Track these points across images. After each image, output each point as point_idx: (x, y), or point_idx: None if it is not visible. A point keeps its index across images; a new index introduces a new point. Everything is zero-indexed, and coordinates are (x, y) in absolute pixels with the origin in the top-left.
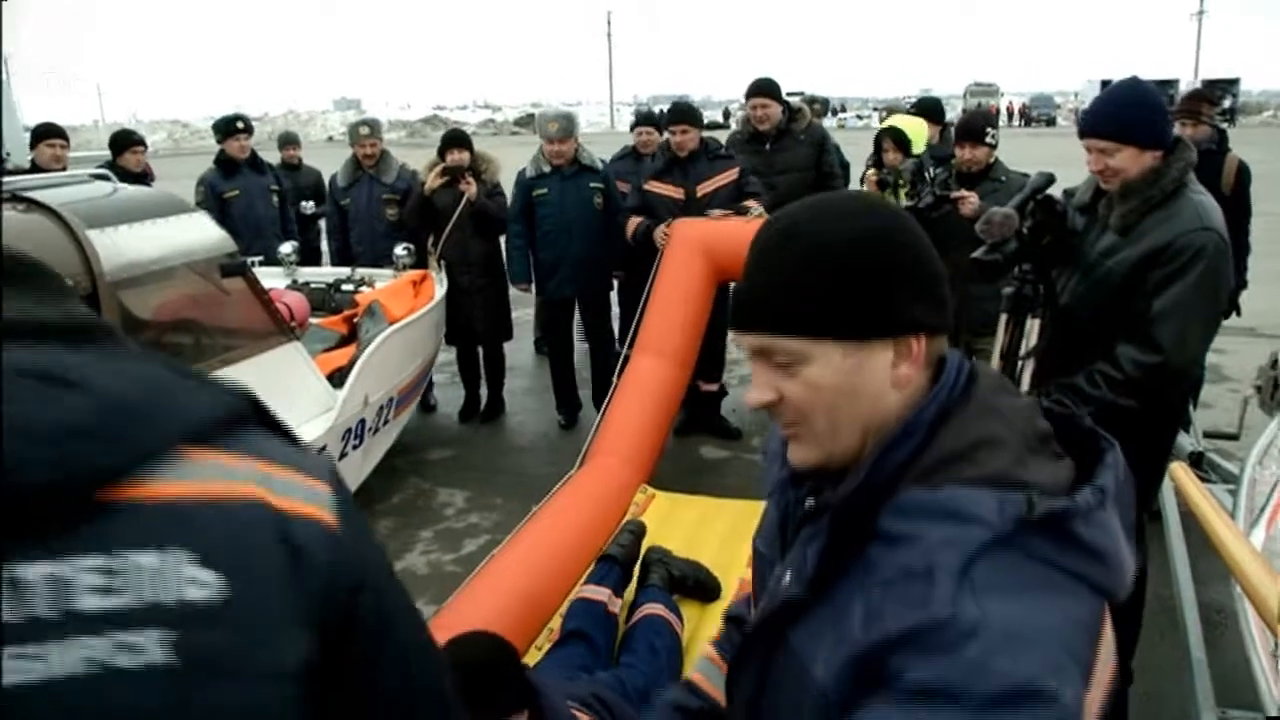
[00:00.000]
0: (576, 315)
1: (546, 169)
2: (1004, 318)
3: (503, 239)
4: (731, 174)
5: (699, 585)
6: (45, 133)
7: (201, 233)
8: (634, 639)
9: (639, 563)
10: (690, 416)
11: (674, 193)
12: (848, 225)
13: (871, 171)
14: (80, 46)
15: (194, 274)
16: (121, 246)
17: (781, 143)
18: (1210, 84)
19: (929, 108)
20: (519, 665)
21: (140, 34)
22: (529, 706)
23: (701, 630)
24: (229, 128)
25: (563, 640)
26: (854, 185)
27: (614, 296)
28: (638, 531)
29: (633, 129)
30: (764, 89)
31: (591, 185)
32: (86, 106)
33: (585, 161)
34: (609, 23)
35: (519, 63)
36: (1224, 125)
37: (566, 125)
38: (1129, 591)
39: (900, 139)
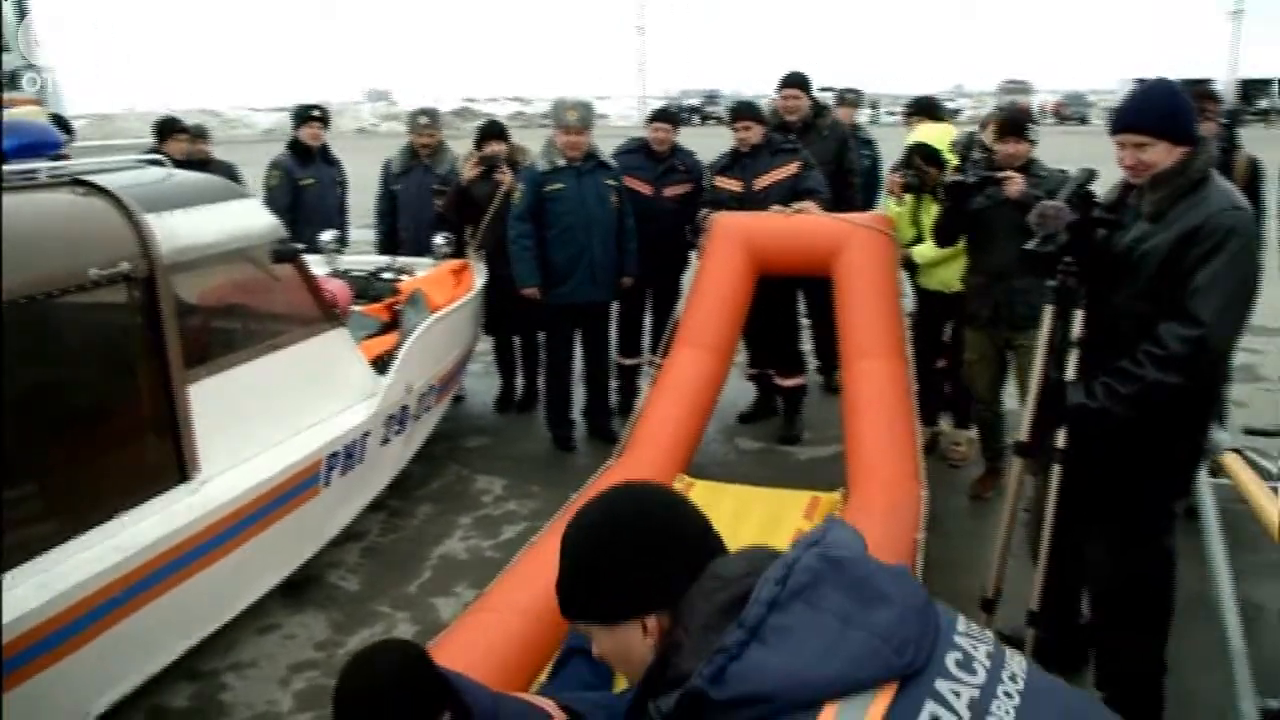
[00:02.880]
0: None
1: (561, 163)
2: (1049, 310)
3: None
4: (791, 168)
5: None
6: (65, 128)
7: (254, 218)
8: None
9: None
10: (761, 408)
11: (733, 186)
12: (587, 546)
13: (896, 175)
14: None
15: (246, 259)
16: (177, 231)
17: (806, 137)
18: (1246, 84)
19: (926, 107)
20: (430, 666)
21: (172, 22)
22: (448, 707)
23: None
24: (305, 115)
25: (562, 660)
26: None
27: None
28: None
29: (648, 124)
30: (795, 81)
31: (608, 182)
32: (119, 94)
33: (601, 158)
34: (641, 15)
35: (549, 55)
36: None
37: (586, 114)
38: (860, 670)
39: (929, 154)
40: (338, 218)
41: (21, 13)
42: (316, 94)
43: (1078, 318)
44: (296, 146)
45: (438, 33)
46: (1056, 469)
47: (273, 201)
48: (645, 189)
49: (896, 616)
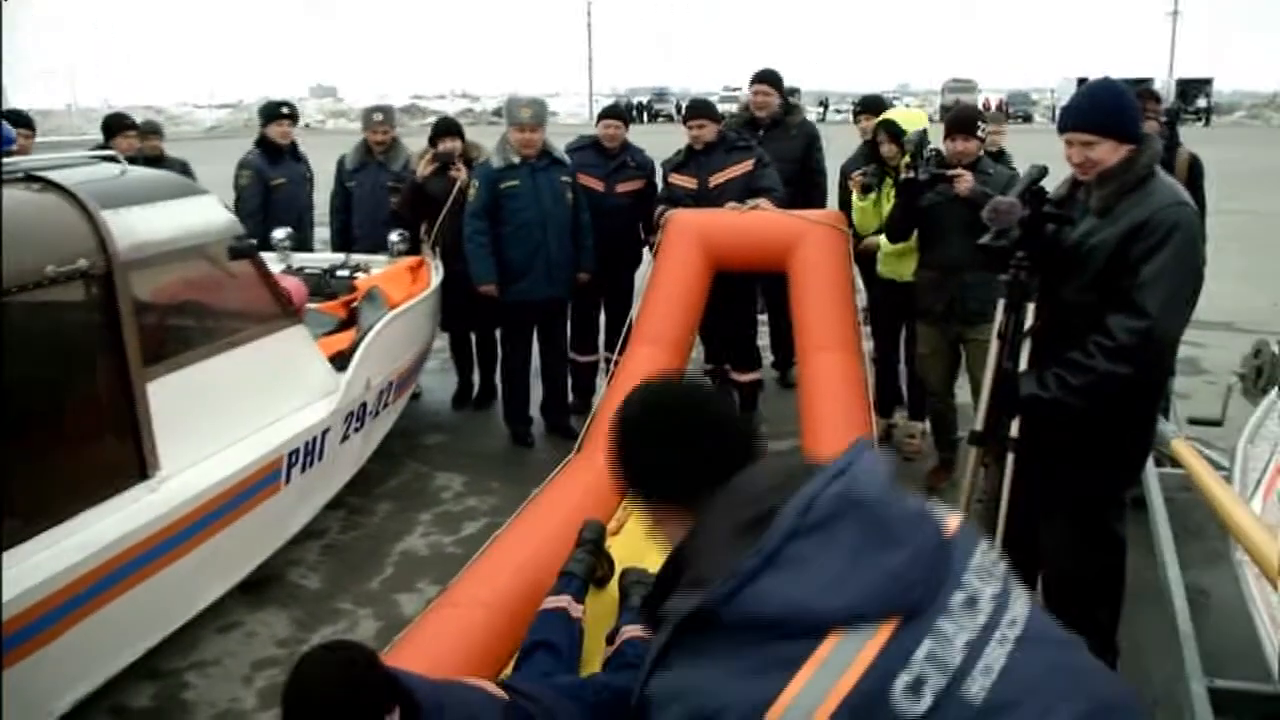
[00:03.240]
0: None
1: (515, 160)
2: (1002, 303)
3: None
4: (745, 165)
5: None
6: (13, 121)
7: (210, 215)
8: (614, 664)
9: (618, 586)
10: None
11: (688, 184)
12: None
13: (857, 174)
14: (53, 30)
15: (204, 256)
16: (134, 227)
17: (774, 132)
18: (1184, 83)
19: (873, 104)
20: (375, 663)
21: (112, 16)
22: (397, 701)
23: None
24: (274, 112)
25: (526, 654)
26: (832, 179)
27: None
28: (597, 539)
29: (598, 121)
30: (766, 78)
31: (563, 179)
32: (58, 91)
33: (555, 154)
34: (589, 13)
35: (497, 52)
36: (1198, 123)
37: (540, 111)
38: (863, 605)
39: (895, 131)
40: (308, 215)
41: None
42: (261, 90)
43: (1029, 310)
44: (265, 145)
45: (385, 29)
46: (1010, 458)
47: (243, 202)
48: (597, 185)
49: (908, 558)
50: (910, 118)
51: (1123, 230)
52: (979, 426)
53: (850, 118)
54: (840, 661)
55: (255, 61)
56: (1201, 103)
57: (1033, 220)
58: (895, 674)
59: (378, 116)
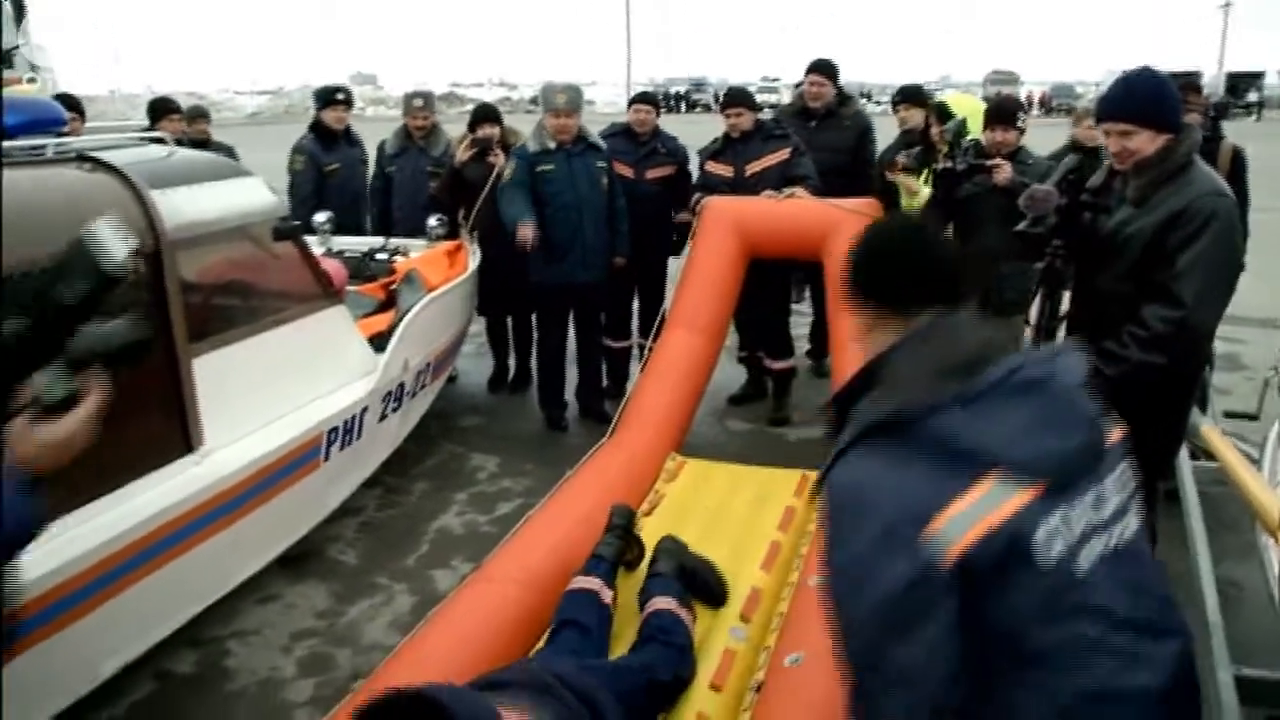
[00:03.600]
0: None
1: (551, 145)
2: (1040, 290)
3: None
4: (781, 154)
5: (706, 587)
6: (64, 105)
7: (255, 196)
8: (644, 636)
9: (652, 549)
10: (751, 390)
11: (725, 172)
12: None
13: (900, 156)
14: (97, 15)
15: (248, 236)
16: (181, 207)
17: (827, 123)
18: (1235, 77)
19: (912, 94)
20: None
21: (156, 4)
22: None
23: (708, 640)
24: (329, 97)
25: (555, 631)
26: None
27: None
28: (626, 524)
29: (629, 107)
30: (821, 68)
31: (599, 164)
32: (102, 76)
33: (591, 140)
34: (627, 2)
35: (535, 41)
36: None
37: (575, 97)
38: (1029, 464)
39: (944, 114)
40: (363, 199)
41: (19, 8)
42: (302, 77)
43: (1064, 298)
44: (319, 129)
45: (424, 17)
46: None
47: (297, 187)
48: (627, 172)
49: (1077, 444)
50: (963, 103)
51: (1160, 219)
52: None
53: (889, 109)
54: (996, 498)
55: (297, 49)
56: (1253, 97)
57: (1069, 208)
58: (1036, 524)
59: (418, 102)
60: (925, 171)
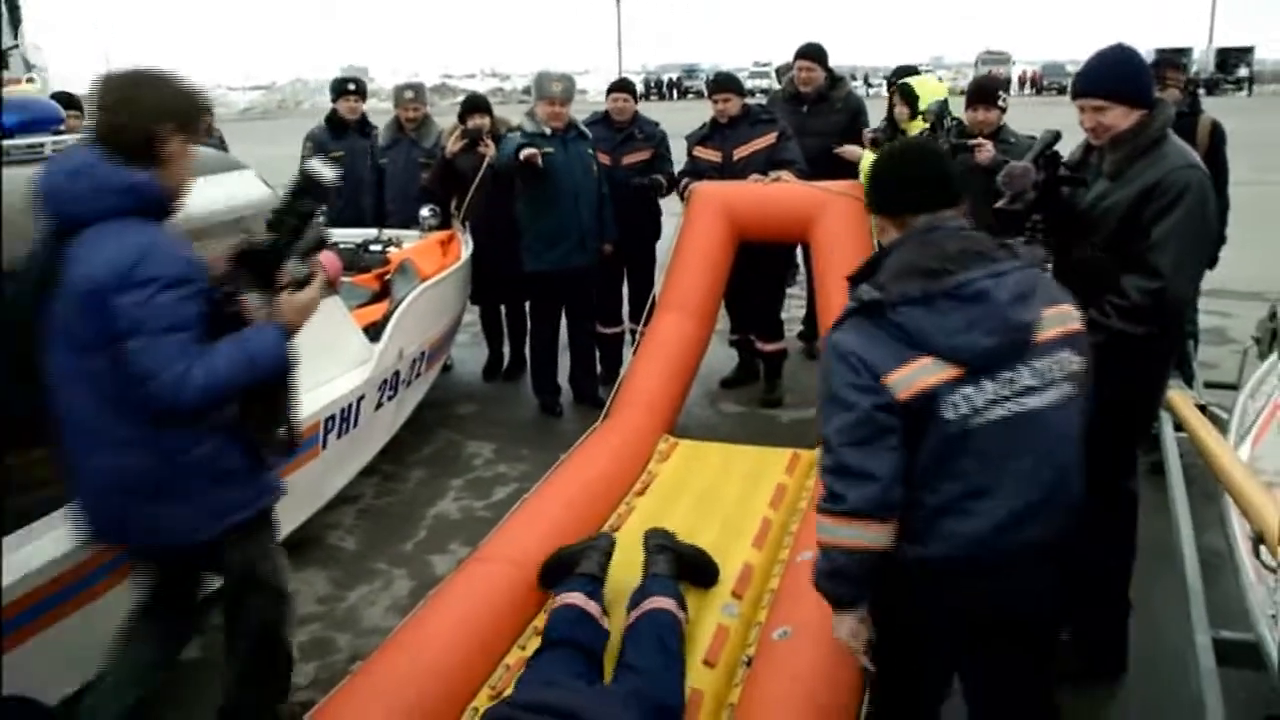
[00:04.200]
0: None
1: (546, 131)
2: None
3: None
4: (769, 138)
5: (700, 570)
6: (63, 103)
7: (250, 189)
8: (641, 634)
9: (643, 548)
10: (743, 373)
11: (713, 156)
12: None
13: (867, 131)
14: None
15: (244, 228)
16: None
17: (818, 107)
18: (1224, 52)
19: (906, 76)
20: None
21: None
22: None
23: (700, 618)
24: (341, 89)
25: (551, 646)
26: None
27: None
28: (606, 549)
29: (607, 95)
30: (810, 53)
31: (589, 151)
32: (91, 70)
33: (580, 127)
34: None
35: (527, 31)
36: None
37: (569, 88)
38: (955, 353)
39: (908, 95)
40: (372, 190)
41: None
42: (293, 72)
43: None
44: (333, 119)
45: (415, 9)
46: None
47: None
48: (604, 159)
49: (997, 344)
50: (928, 87)
51: (1135, 193)
52: None
53: (884, 90)
54: (928, 371)
55: (288, 43)
56: (1243, 72)
57: (1047, 184)
58: (952, 393)
59: (409, 94)
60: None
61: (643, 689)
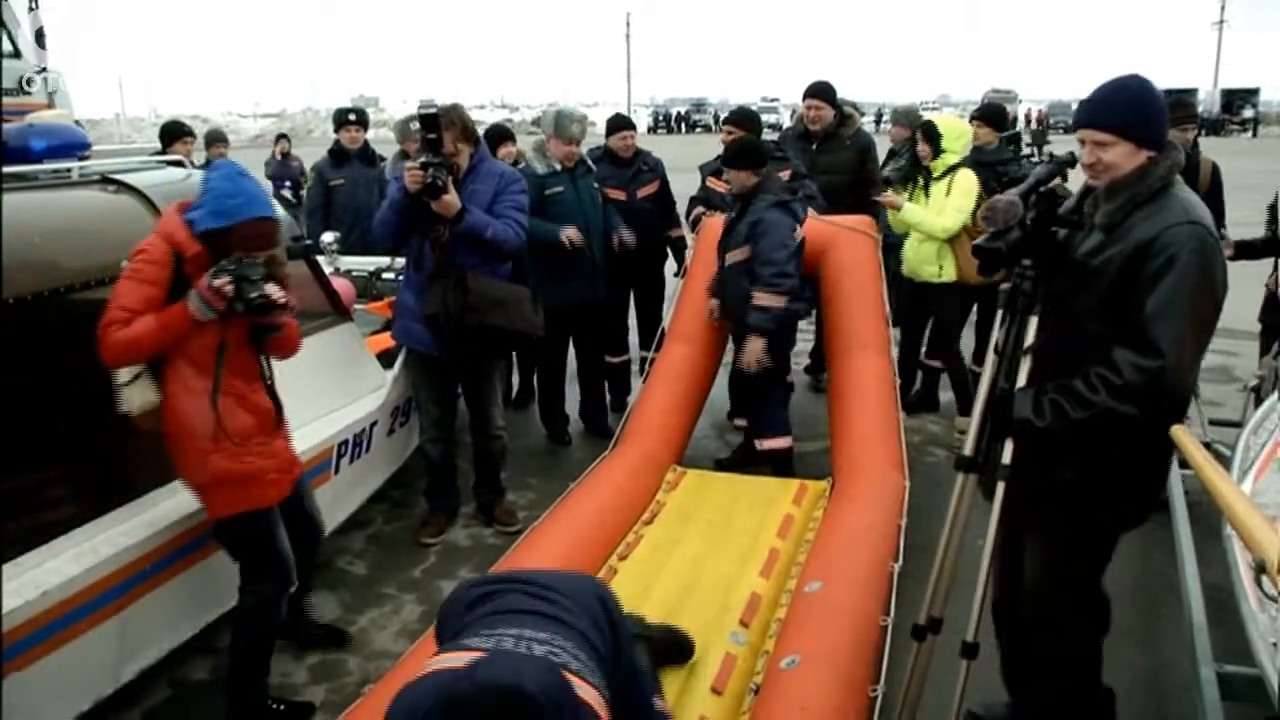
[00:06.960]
0: None
1: (557, 167)
2: (999, 314)
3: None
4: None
5: (676, 647)
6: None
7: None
8: None
9: None
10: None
11: (725, 188)
12: None
13: (887, 170)
14: (101, 39)
15: None
16: None
17: (827, 144)
18: (1230, 93)
19: (993, 113)
20: None
21: (159, 27)
22: None
23: (708, 646)
24: (342, 119)
25: None
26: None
27: None
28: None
29: (608, 134)
30: (819, 92)
31: (594, 185)
32: (107, 100)
33: (587, 162)
34: (628, 24)
35: (537, 63)
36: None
37: (585, 129)
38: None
39: (931, 133)
40: (366, 217)
41: (39, 35)
42: (304, 101)
43: (1032, 324)
44: (334, 149)
45: (426, 40)
46: (1001, 487)
47: (308, 200)
48: (620, 195)
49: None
50: (952, 125)
51: (1130, 249)
52: (969, 451)
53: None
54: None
55: (300, 72)
56: (1248, 113)
57: (1038, 222)
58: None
59: (414, 125)
60: (909, 185)
61: None
